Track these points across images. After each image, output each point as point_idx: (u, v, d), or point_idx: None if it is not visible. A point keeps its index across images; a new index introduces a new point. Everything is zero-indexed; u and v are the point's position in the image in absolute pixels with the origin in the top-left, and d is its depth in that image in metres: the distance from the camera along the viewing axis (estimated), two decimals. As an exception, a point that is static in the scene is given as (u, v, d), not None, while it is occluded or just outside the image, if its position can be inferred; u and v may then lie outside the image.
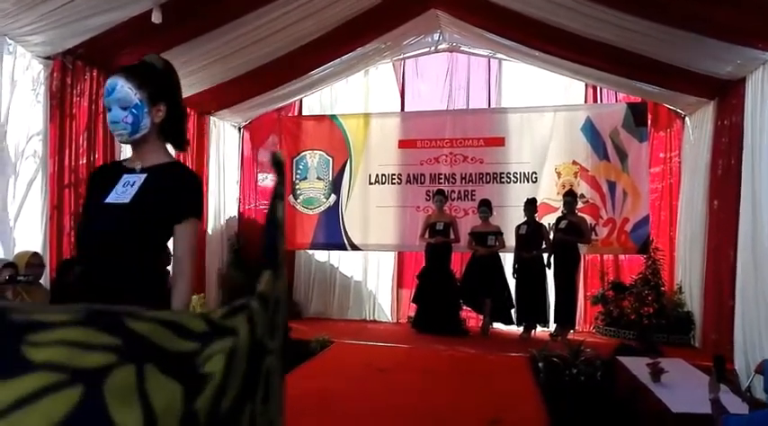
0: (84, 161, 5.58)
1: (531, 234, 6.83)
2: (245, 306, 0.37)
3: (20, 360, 0.33)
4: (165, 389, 0.33)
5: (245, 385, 0.31)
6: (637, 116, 7.42)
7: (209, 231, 8.01)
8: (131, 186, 1.81)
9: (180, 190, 1.83)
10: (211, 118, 8.02)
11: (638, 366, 4.32)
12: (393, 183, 8.11)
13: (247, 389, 0.32)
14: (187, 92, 6.86)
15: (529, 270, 6.78)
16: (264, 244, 0.37)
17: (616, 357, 5.04)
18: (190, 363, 0.33)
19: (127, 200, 1.78)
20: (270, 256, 0.36)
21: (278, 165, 0.42)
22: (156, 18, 4.79)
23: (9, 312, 0.35)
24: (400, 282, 8.33)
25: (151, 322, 0.35)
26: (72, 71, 5.40)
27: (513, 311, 7.02)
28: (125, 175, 1.86)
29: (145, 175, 1.84)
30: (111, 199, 1.79)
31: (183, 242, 1.81)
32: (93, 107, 5.67)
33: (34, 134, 5.09)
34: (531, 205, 6.92)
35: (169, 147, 1.99)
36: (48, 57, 5.17)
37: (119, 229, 1.76)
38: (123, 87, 1.82)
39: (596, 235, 7.40)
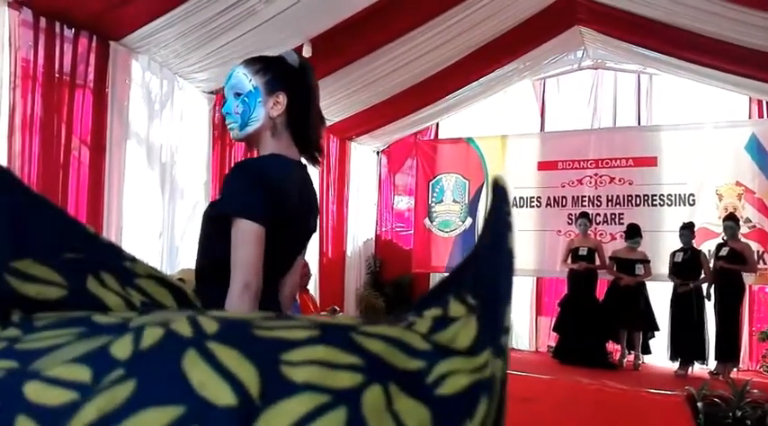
0: (241, 186, 6.05)
1: (687, 262, 6.28)
2: (448, 318, 0.37)
3: (282, 381, 0.33)
4: (414, 411, 0.33)
5: (496, 421, 0.31)
6: (810, 131, 6.63)
7: (348, 253, 8.30)
8: None
9: (223, 186, 1.50)
10: (352, 143, 8.36)
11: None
12: (532, 206, 7.88)
13: (497, 419, 0.31)
14: (332, 119, 7.24)
15: (686, 302, 6.22)
16: (498, 278, 0.35)
17: (789, 400, 4.46)
18: (422, 383, 0.33)
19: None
20: (507, 290, 0.35)
21: (501, 191, 0.39)
22: (307, 52, 5.11)
23: (253, 327, 0.36)
24: (539, 309, 8.04)
25: (379, 339, 0.35)
26: (231, 104, 5.90)
27: (650, 341, 6.62)
28: None
29: None
30: None
31: (232, 248, 1.41)
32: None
33: (199, 162, 5.61)
34: (687, 230, 6.36)
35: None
36: (211, 92, 5.70)
37: (198, 250, 1.58)
38: (239, 73, 1.57)
39: (764, 263, 6.67)
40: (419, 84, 6.77)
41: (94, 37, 4.56)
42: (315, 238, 7.31)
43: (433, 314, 0.39)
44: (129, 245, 4.77)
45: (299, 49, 5.14)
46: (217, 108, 5.77)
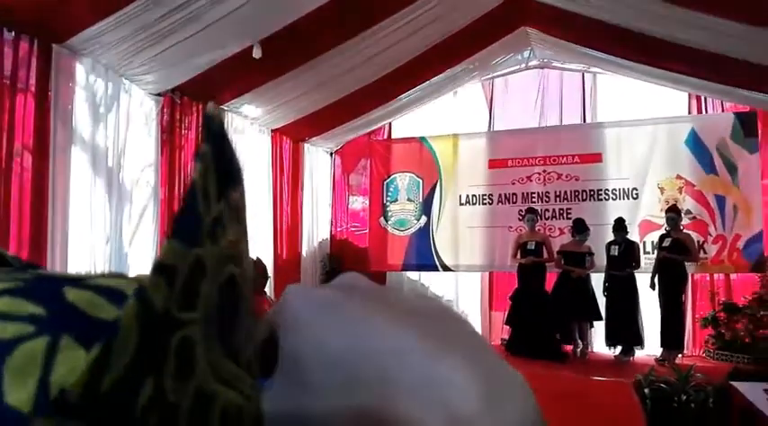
0: (192, 188, 5.97)
1: (623, 254, 6.52)
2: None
3: None
4: (70, 360, 0.29)
5: (140, 360, 0.27)
6: (746, 126, 6.96)
7: (304, 254, 8.28)
8: None
9: None
10: (305, 144, 8.34)
11: (754, 391, 3.98)
12: (484, 204, 8.04)
13: (144, 364, 0.27)
14: (283, 121, 7.23)
15: (619, 290, 6.47)
16: (177, 213, 0.31)
17: (730, 382, 4.68)
18: (107, 331, 0.27)
19: None
20: (179, 225, 0.30)
21: (211, 121, 0.32)
22: (257, 54, 5.08)
23: None
24: (492, 304, 8.19)
25: (90, 289, 0.31)
26: (180, 106, 5.82)
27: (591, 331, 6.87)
28: None
29: None
30: None
31: None
32: (199, 138, 6.07)
33: (147, 165, 5.51)
34: (619, 232, 6.59)
35: None
36: (158, 94, 5.60)
37: None
38: None
39: (705, 252, 6.97)
40: (371, 84, 6.80)
41: (36, 40, 4.43)
42: (269, 240, 7.35)
43: None
44: (76, 251, 4.66)
45: (248, 50, 5.12)
46: (165, 110, 5.68)
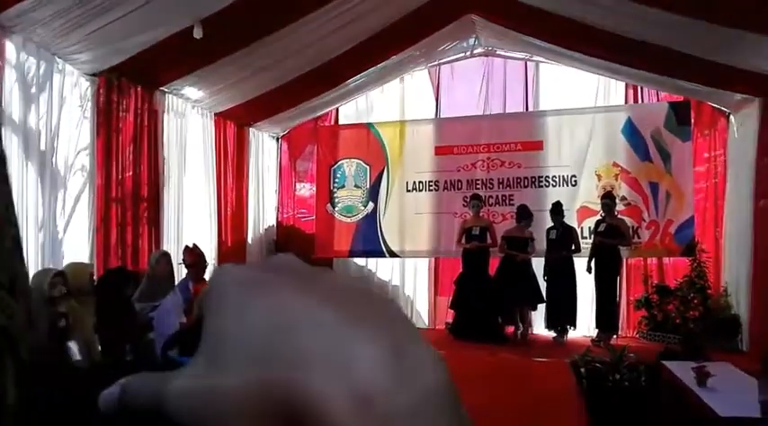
0: (131, 174, 5.78)
1: (560, 237, 6.75)
2: None
3: None
4: None
5: None
6: (679, 115, 7.25)
7: (249, 240, 8.17)
8: None
9: None
10: (250, 129, 8.20)
11: (683, 370, 4.20)
12: (430, 190, 8.12)
13: None
14: (227, 104, 7.08)
15: (557, 274, 6.69)
16: None
17: (661, 361, 4.92)
18: None
19: None
20: None
21: None
22: (198, 34, 4.94)
23: None
24: (437, 288, 8.32)
25: None
26: (117, 87, 5.61)
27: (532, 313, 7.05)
28: None
29: None
30: None
31: None
32: (138, 122, 5.89)
33: (82, 149, 5.30)
34: (556, 214, 6.82)
35: None
36: (94, 74, 5.39)
37: None
38: None
39: (639, 237, 7.25)
40: (317, 68, 6.73)
41: (-41, 14, 4.19)
42: (213, 226, 7.21)
43: None
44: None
45: (189, 30, 4.97)
46: (101, 91, 5.47)
